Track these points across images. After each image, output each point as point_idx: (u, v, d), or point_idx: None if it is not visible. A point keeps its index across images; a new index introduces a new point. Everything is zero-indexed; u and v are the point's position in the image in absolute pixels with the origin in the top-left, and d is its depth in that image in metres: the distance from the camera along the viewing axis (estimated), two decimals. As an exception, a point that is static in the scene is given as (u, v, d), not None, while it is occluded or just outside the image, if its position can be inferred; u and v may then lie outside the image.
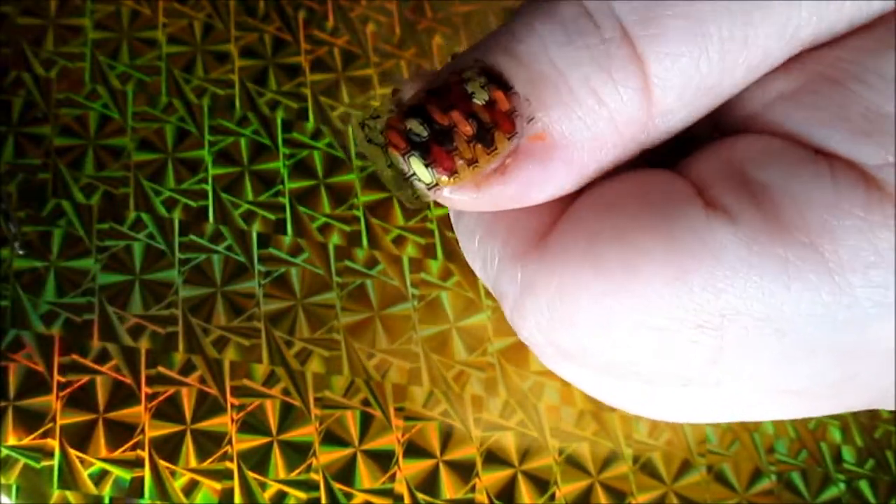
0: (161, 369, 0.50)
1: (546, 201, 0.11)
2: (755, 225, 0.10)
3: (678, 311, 0.10)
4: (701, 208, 0.10)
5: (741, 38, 0.10)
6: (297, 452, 0.49)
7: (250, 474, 0.47)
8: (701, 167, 0.11)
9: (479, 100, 0.10)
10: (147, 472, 0.46)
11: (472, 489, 0.49)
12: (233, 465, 0.48)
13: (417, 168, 0.10)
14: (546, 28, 0.10)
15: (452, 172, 0.10)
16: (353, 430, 0.50)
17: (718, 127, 0.12)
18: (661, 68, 0.10)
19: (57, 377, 0.46)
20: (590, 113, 0.10)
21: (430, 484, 0.49)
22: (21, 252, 0.53)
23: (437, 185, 0.10)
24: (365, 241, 0.55)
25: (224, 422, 0.49)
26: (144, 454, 0.46)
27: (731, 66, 0.10)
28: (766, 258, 0.10)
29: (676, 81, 0.10)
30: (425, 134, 0.10)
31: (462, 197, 0.10)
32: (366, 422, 0.50)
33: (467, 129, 0.10)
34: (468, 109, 0.10)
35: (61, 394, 0.46)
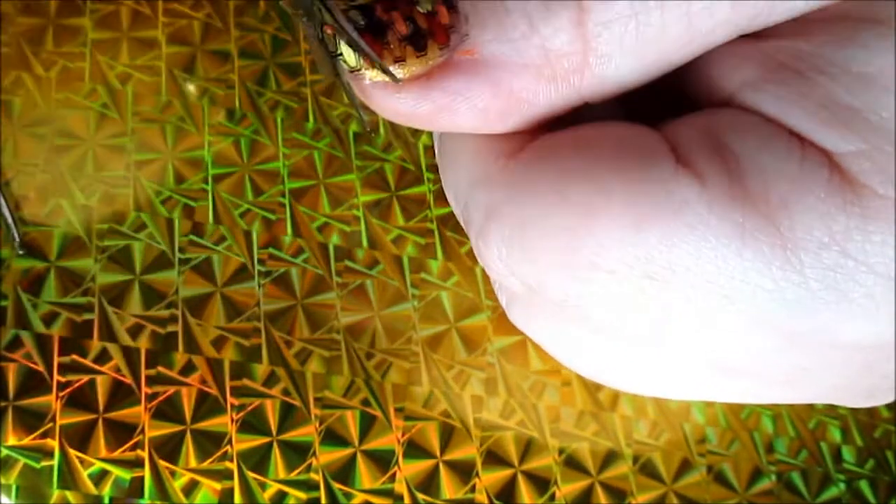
0: (161, 369, 0.50)
1: (476, 128, 0.11)
2: (720, 188, 0.10)
3: (630, 256, 0.10)
4: (672, 163, 0.10)
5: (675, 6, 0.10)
6: (297, 452, 0.49)
7: (250, 474, 0.47)
8: (680, 129, 0.11)
9: (423, 8, 0.10)
10: (147, 472, 0.46)
11: (472, 489, 0.49)
12: (233, 465, 0.48)
13: (346, 50, 0.10)
14: None
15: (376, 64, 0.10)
16: (353, 430, 0.50)
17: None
18: (597, 6, 0.10)
19: (57, 377, 0.46)
20: (522, 38, 0.10)
21: (430, 484, 0.49)
22: (21, 252, 0.53)
23: (359, 70, 0.10)
24: (365, 241, 0.55)
25: (224, 422, 0.49)
26: (144, 454, 0.46)
27: (672, 18, 0.10)
28: (725, 221, 0.10)
29: (613, 23, 0.10)
30: (361, 22, 0.10)
31: (383, 94, 0.11)
32: (366, 422, 0.50)
33: (402, 27, 0.10)
34: (408, 13, 0.10)
35: (61, 394, 0.46)
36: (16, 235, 0.53)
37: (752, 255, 0.10)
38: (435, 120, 0.11)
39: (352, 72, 0.10)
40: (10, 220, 0.55)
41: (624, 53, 0.10)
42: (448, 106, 0.11)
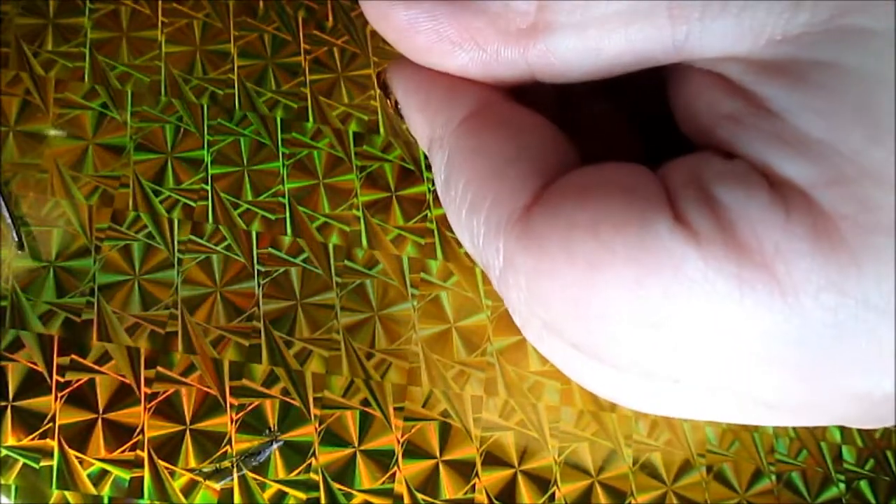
0: (160, 369, 0.50)
1: (428, 51, 0.13)
2: (715, 243, 0.10)
3: (635, 309, 0.11)
4: (669, 218, 0.11)
5: (625, 10, 0.11)
6: (297, 452, 0.49)
7: (250, 474, 0.47)
8: (674, 175, 0.12)
9: None
10: (146, 473, 0.46)
11: (472, 489, 0.49)
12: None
13: None
14: None
15: None
16: (353, 430, 0.50)
17: (689, 138, 0.13)
18: None
19: (56, 377, 0.46)
20: None
21: (429, 484, 0.49)
22: (20, 252, 0.53)
23: None
24: (365, 241, 0.55)
25: (224, 422, 0.49)
26: (144, 454, 0.46)
27: (612, 10, 0.11)
28: (723, 275, 0.10)
29: (564, 8, 0.11)
30: None
31: (395, 12, 0.12)
32: (365, 422, 0.50)
33: None
34: None
35: (60, 394, 0.46)
36: (15, 235, 0.53)
37: (752, 304, 0.10)
38: (402, 36, 0.12)
39: None
40: (9, 220, 0.55)
41: (571, 29, 0.11)
42: (415, 22, 0.12)
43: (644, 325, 0.11)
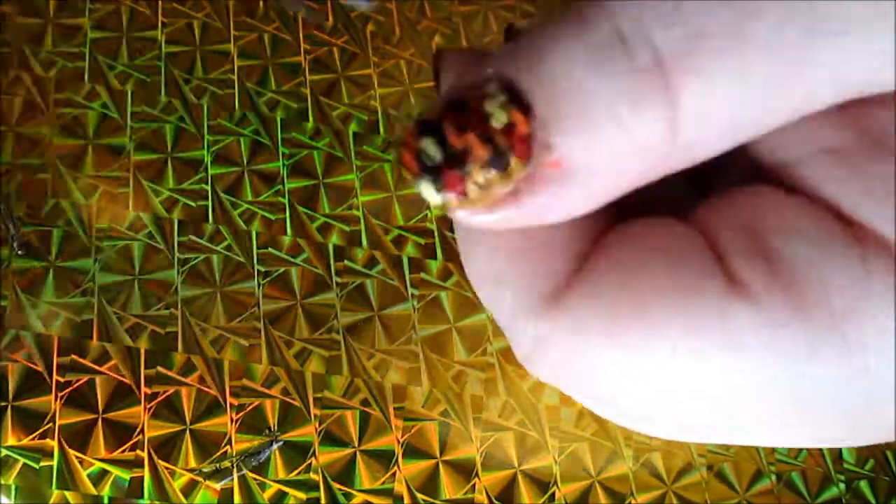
0: (160, 369, 0.50)
1: (556, 221, 0.11)
2: (777, 308, 0.10)
3: (688, 381, 0.10)
4: (721, 284, 0.10)
5: (789, 82, 0.09)
6: (297, 452, 0.49)
7: (250, 474, 0.47)
8: (721, 226, 0.11)
9: (497, 122, 0.09)
10: (146, 473, 0.46)
11: (472, 489, 0.49)
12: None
13: (427, 191, 0.10)
14: (574, 48, 0.10)
15: (463, 195, 0.10)
16: (353, 430, 0.50)
17: (737, 162, 0.12)
18: (693, 103, 0.09)
19: (56, 377, 0.46)
20: (611, 142, 0.10)
21: (429, 484, 0.49)
22: (20, 252, 0.53)
23: (447, 207, 0.10)
24: (365, 241, 0.55)
25: (224, 422, 0.49)
26: (144, 454, 0.46)
27: (771, 109, 0.10)
28: (786, 341, 0.10)
29: (708, 117, 0.10)
30: (438, 158, 0.09)
31: (472, 217, 0.10)
32: (365, 422, 0.51)
33: (482, 153, 0.09)
34: (485, 132, 0.09)
35: (60, 394, 0.46)
36: (14, 235, 0.53)
37: (819, 367, 0.09)
38: (525, 225, 0.11)
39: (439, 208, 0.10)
40: (9, 220, 0.55)
41: (709, 140, 0.10)
42: (540, 214, 0.10)
43: (698, 400, 0.10)
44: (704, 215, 0.11)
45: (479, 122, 0.09)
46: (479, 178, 0.09)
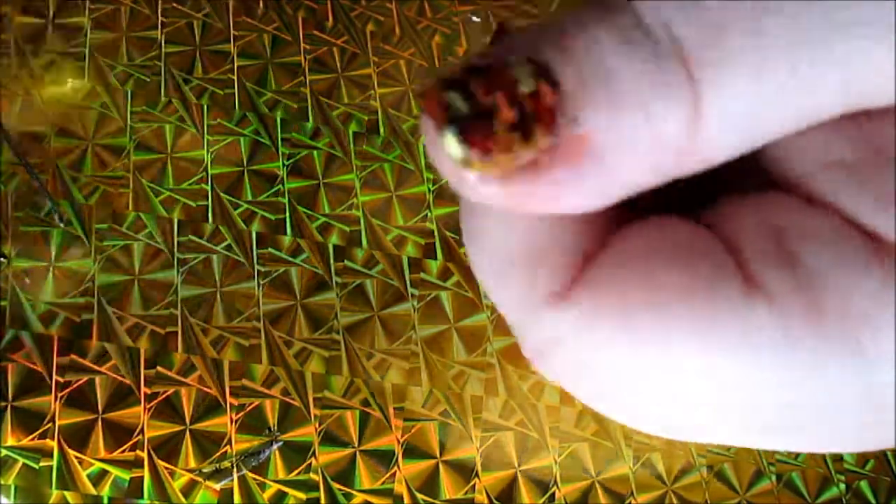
0: (160, 369, 0.50)
1: (569, 210, 0.11)
2: (795, 312, 0.10)
3: (706, 383, 0.10)
4: (740, 285, 0.10)
5: (802, 81, 0.09)
6: (297, 452, 0.49)
7: (250, 474, 0.47)
8: (739, 228, 0.11)
9: (526, 87, 0.09)
10: (146, 473, 0.46)
11: (472, 489, 0.49)
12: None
13: (450, 143, 0.09)
14: (601, 30, 0.10)
15: (486, 153, 0.10)
16: (353, 431, 0.50)
17: (750, 172, 0.12)
18: (714, 95, 0.09)
19: (56, 377, 0.46)
20: (635, 127, 0.10)
21: (429, 484, 0.49)
22: (62, 224, 0.53)
23: (467, 164, 0.10)
24: (365, 241, 0.55)
25: (224, 422, 0.49)
26: (144, 454, 0.46)
27: (788, 107, 0.10)
28: (803, 345, 0.10)
29: (727, 110, 0.10)
30: (465, 110, 0.09)
31: (487, 188, 0.10)
32: (365, 422, 0.51)
33: (509, 114, 0.09)
34: (513, 95, 0.09)
35: (60, 394, 0.46)
36: (55, 208, 0.53)
37: (834, 374, 0.10)
38: (536, 208, 0.11)
39: (460, 164, 0.10)
40: (46, 195, 0.54)
41: (729, 144, 0.10)
42: (555, 195, 0.10)
43: (713, 396, 0.10)
44: (718, 218, 0.11)
45: (506, 84, 0.09)
46: (503, 140, 0.09)
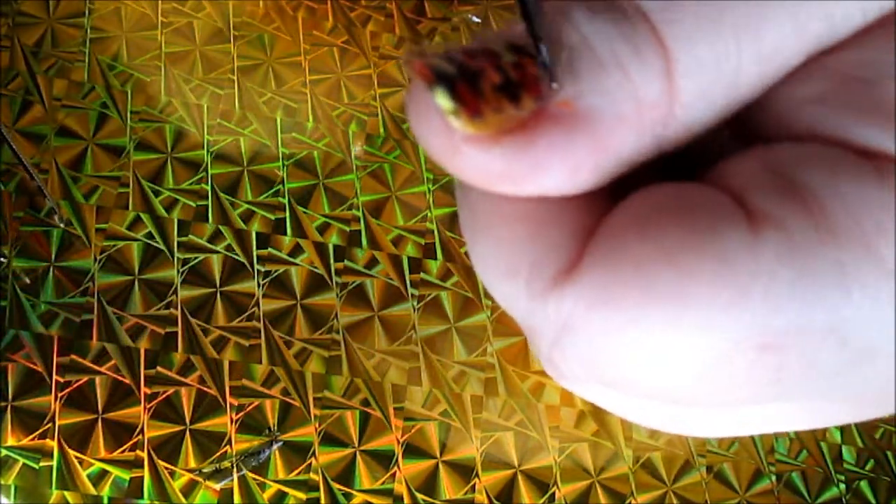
0: (160, 369, 0.50)
1: (559, 188, 0.11)
2: (807, 232, 0.10)
3: (739, 334, 0.10)
4: (744, 220, 0.10)
5: (754, 28, 0.10)
6: (297, 452, 0.49)
7: (250, 474, 0.47)
8: (735, 174, 0.11)
9: (508, 59, 0.10)
10: (146, 473, 0.46)
11: (472, 489, 0.49)
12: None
13: (441, 96, 0.10)
14: (573, 8, 0.10)
15: (477, 113, 0.10)
16: (353, 431, 0.50)
17: (741, 138, 0.12)
18: (680, 51, 0.10)
19: (56, 377, 0.46)
20: (617, 88, 0.10)
21: (429, 484, 0.49)
22: (62, 224, 0.53)
23: (458, 114, 0.10)
24: (365, 241, 0.55)
25: (224, 422, 0.49)
26: (144, 454, 0.46)
27: (747, 59, 0.10)
28: (824, 266, 0.09)
29: (695, 67, 0.10)
30: (452, 70, 0.10)
31: (477, 149, 0.10)
32: (365, 422, 0.51)
33: (495, 76, 0.10)
34: (497, 63, 0.10)
35: (60, 394, 0.46)
36: (55, 209, 0.53)
37: (860, 292, 0.09)
38: (526, 179, 0.10)
39: (451, 116, 0.10)
40: (47, 196, 0.55)
41: (705, 101, 0.10)
42: (544, 162, 0.10)
43: (748, 351, 0.10)
44: (712, 175, 0.11)
45: (489, 55, 0.10)
46: (491, 100, 0.10)
